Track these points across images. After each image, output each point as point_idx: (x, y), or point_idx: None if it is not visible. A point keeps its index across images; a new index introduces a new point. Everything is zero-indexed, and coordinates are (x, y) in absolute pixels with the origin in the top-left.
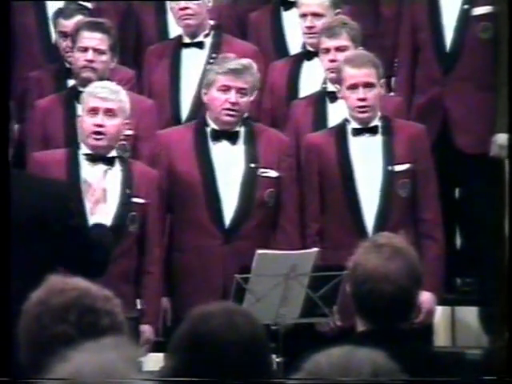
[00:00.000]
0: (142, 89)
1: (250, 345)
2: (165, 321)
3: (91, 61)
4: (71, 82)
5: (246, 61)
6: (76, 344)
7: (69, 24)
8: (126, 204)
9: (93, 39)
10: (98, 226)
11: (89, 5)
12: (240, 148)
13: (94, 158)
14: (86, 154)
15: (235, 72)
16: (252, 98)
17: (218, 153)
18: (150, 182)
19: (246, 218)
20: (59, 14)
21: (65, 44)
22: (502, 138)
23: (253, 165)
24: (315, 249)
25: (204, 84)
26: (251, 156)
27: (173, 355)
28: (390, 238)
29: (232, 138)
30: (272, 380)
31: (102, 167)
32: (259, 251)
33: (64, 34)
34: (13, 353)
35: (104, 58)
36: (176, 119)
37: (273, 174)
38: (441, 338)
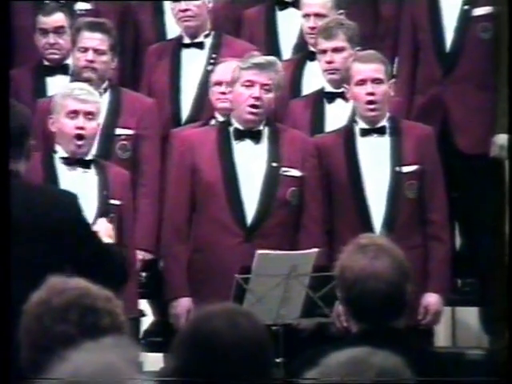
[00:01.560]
0: (141, 88)
1: (251, 346)
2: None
3: (92, 61)
4: (50, 80)
5: (270, 57)
6: (77, 344)
7: (48, 21)
8: (104, 206)
9: (93, 39)
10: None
11: (88, 5)
12: (263, 147)
13: (70, 162)
14: (63, 158)
15: (259, 66)
16: (276, 97)
17: (240, 152)
18: (123, 183)
19: (267, 216)
20: (39, 10)
21: (44, 41)
22: (502, 138)
23: (275, 164)
24: (315, 249)
25: (229, 82)
26: (274, 155)
27: (175, 355)
28: (372, 238)
29: (255, 137)
30: (273, 381)
31: (79, 170)
32: (259, 251)
33: (44, 31)
34: (12, 353)
35: (104, 58)
36: (176, 119)
37: (296, 173)
38: (441, 338)
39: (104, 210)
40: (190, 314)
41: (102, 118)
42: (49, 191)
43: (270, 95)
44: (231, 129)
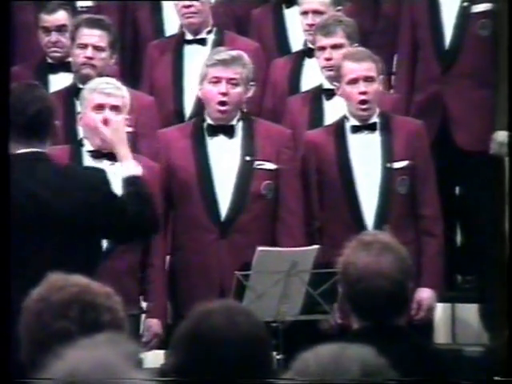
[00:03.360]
0: (143, 83)
1: (250, 343)
2: (165, 319)
3: (90, 58)
4: (52, 78)
5: (235, 52)
6: (76, 340)
7: (51, 19)
8: None
9: (92, 36)
10: (131, 180)
11: (89, 2)
12: (237, 142)
13: (97, 155)
14: (90, 151)
15: (223, 62)
16: (246, 91)
17: (214, 147)
18: (152, 176)
19: (241, 211)
20: (41, 9)
21: (47, 39)
22: (501, 135)
23: (248, 158)
24: (316, 246)
25: (199, 80)
26: (247, 149)
27: (174, 353)
28: (375, 235)
29: (228, 132)
30: (273, 380)
31: (106, 163)
32: (260, 248)
33: (46, 29)
34: (12, 353)
35: (103, 54)
36: (178, 115)
37: (270, 166)
38: (441, 335)
39: None
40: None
41: None
42: (78, 171)
43: (239, 89)
44: (205, 125)
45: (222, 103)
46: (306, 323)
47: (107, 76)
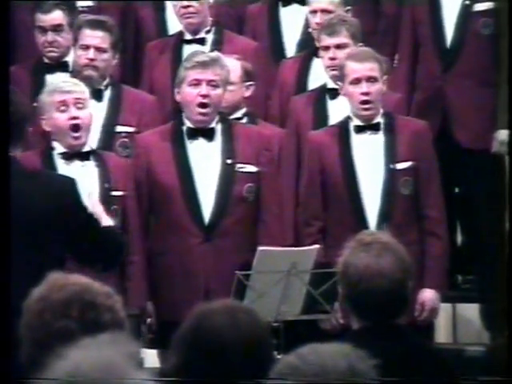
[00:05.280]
0: (142, 84)
1: (252, 343)
2: (150, 325)
3: (93, 59)
4: (49, 78)
5: (213, 53)
6: (77, 340)
7: (47, 19)
8: (106, 199)
9: (95, 37)
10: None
11: (90, 2)
12: (217, 144)
13: (68, 156)
14: (61, 153)
15: (203, 64)
16: (225, 92)
17: (194, 151)
18: (125, 172)
19: (224, 214)
20: (38, 8)
21: (43, 39)
22: (502, 134)
23: (229, 160)
24: (316, 246)
25: (176, 83)
26: (228, 152)
27: (175, 352)
28: (375, 235)
29: (208, 134)
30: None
31: (77, 163)
32: (261, 248)
33: (42, 29)
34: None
35: (105, 56)
36: (177, 115)
37: (251, 168)
38: (442, 335)
39: (106, 203)
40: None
41: (102, 116)
42: (46, 177)
43: (218, 91)
44: (184, 128)
45: (203, 105)
46: (307, 323)
47: (109, 77)
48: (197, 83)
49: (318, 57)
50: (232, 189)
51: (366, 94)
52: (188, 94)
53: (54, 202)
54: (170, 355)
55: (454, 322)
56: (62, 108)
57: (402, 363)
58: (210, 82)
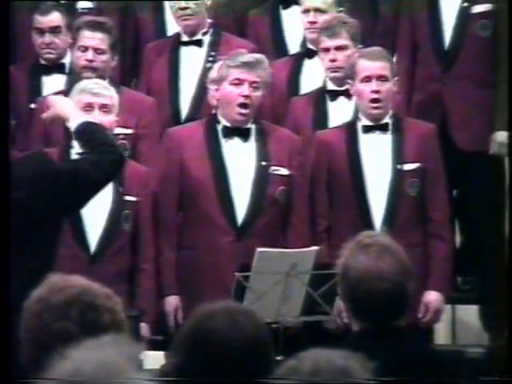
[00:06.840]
0: (140, 86)
1: (252, 344)
2: (176, 319)
3: (91, 60)
4: (46, 79)
5: (258, 55)
6: (77, 341)
7: (44, 21)
8: (119, 202)
9: (93, 39)
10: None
11: (90, 4)
12: (251, 145)
13: None
14: (79, 153)
15: (248, 65)
16: (263, 94)
17: (229, 150)
18: (140, 179)
19: (257, 215)
20: (35, 10)
21: (40, 40)
22: (501, 135)
23: (264, 162)
24: (315, 247)
25: (214, 80)
26: (263, 153)
27: (176, 353)
28: (374, 237)
29: (244, 134)
30: (273, 380)
31: None
32: (259, 249)
33: (40, 31)
34: (12, 353)
35: (104, 57)
36: (175, 117)
37: (284, 171)
38: (441, 336)
39: (118, 207)
40: (177, 312)
41: None
42: (21, 164)
43: (259, 93)
44: (219, 126)
45: (244, 105)
46: (307, 324)
47: (108, 78)
48: (239, 83)
49: (309, 58)
50: (266, 190)
51: (376, 92)
52: (229, 92)
53: (37, 180)
54: (171, 356)
55: (454, 323)
56: (87, 109)
57: (401, 365)
58: (252, 83)
